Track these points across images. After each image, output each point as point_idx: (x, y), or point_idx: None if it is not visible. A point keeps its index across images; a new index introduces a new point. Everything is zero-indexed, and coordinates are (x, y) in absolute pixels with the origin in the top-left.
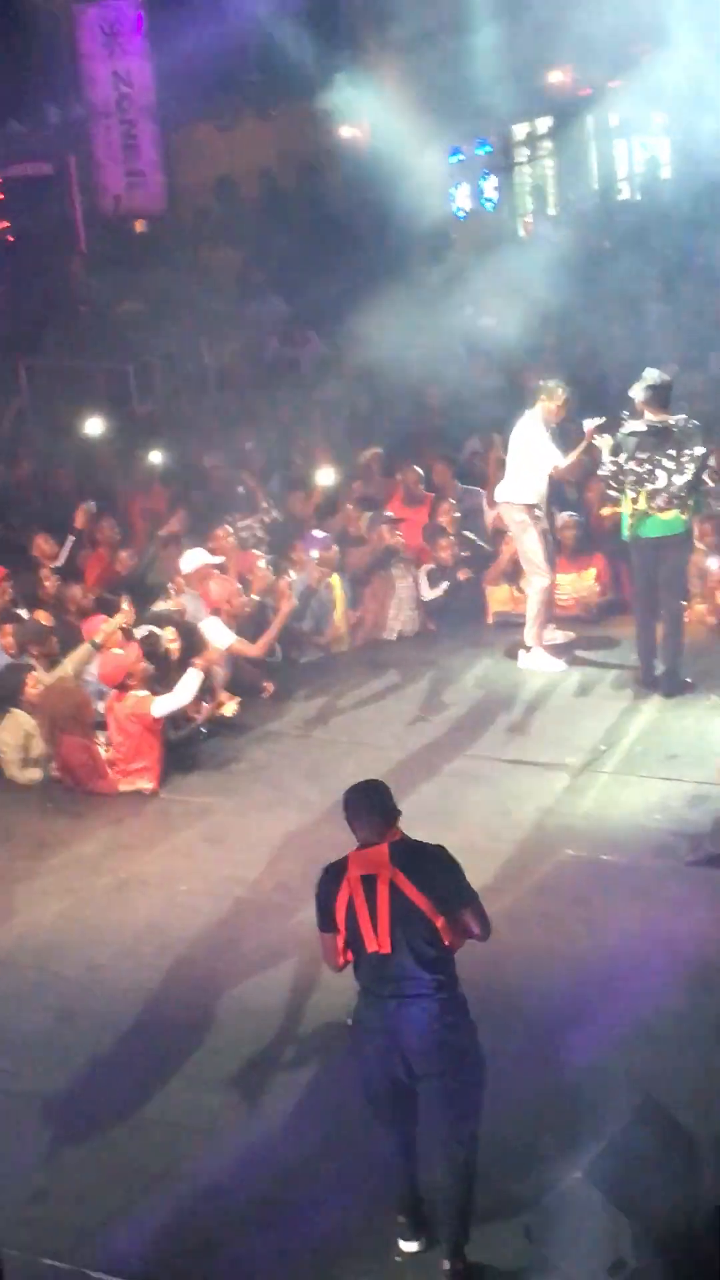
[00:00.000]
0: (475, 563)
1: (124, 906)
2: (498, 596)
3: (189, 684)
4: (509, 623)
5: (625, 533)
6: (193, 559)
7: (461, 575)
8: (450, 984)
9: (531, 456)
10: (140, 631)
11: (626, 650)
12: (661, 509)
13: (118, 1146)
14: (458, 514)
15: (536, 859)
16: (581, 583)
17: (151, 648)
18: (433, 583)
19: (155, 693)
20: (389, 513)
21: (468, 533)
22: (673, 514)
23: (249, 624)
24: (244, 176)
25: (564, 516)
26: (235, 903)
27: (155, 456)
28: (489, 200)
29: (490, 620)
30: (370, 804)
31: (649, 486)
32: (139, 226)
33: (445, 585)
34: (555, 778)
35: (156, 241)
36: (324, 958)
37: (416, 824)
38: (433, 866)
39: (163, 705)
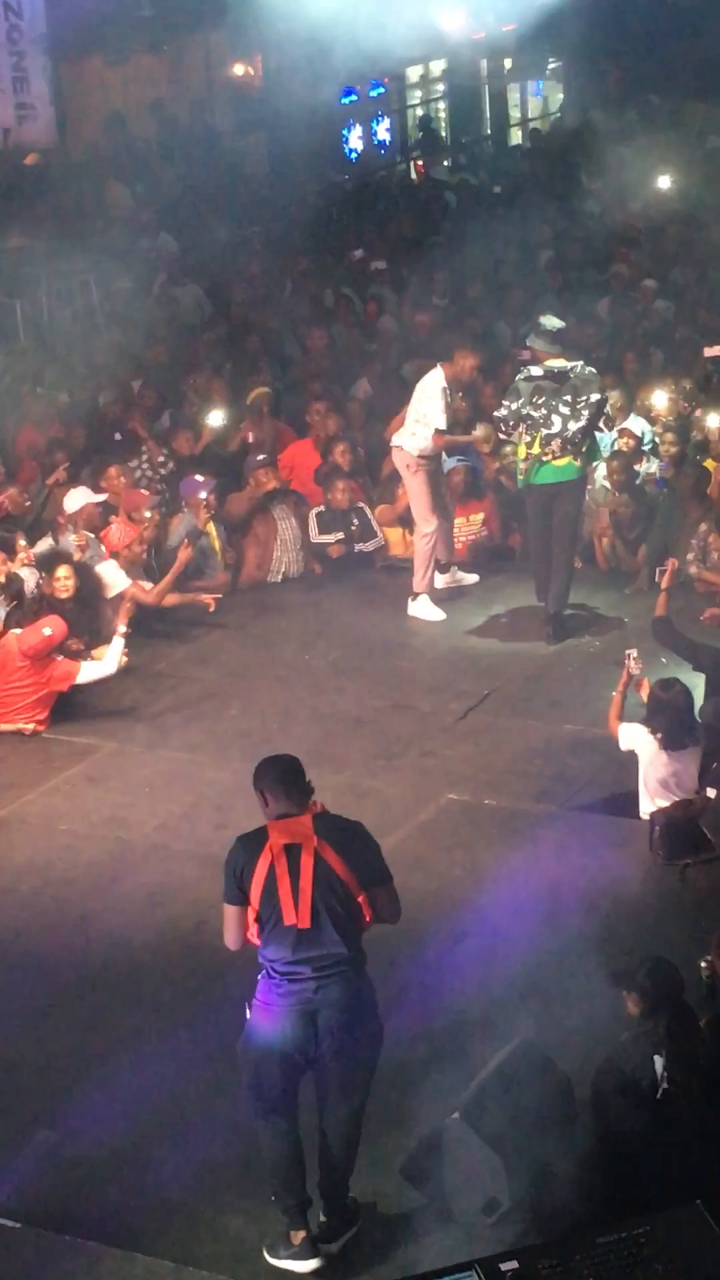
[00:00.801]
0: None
1: (3, 845)
2: (390, 539)
3: (115, 651)
4: (395, 566)
5: (519, 480)
6: (77, 498)
7: (333, 553)
8: (363, 961)
9: (424, 412)
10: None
11: (513, 596)
12: (556, 455)
13: None
14: (351, 455)
15: (418, 803)
16: (470, 527)
17: (17, 589)
18: (323, 525)
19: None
20: (262, 456)
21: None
22: (566, 460)
23: (139, 568)
24: (135, 112)
25: (452, 462)
26: (116, 842)
27: (44, 392)
28: (381, 142)
29: (378, 564)
30: (289, 775)
31: (544, 432)
32: (29, 160)
33: (340, 538)
34: (438, 721)
35: (47, 176)
36: (226, 933)
37: None
38: (358, 842)
39: (89, 673)
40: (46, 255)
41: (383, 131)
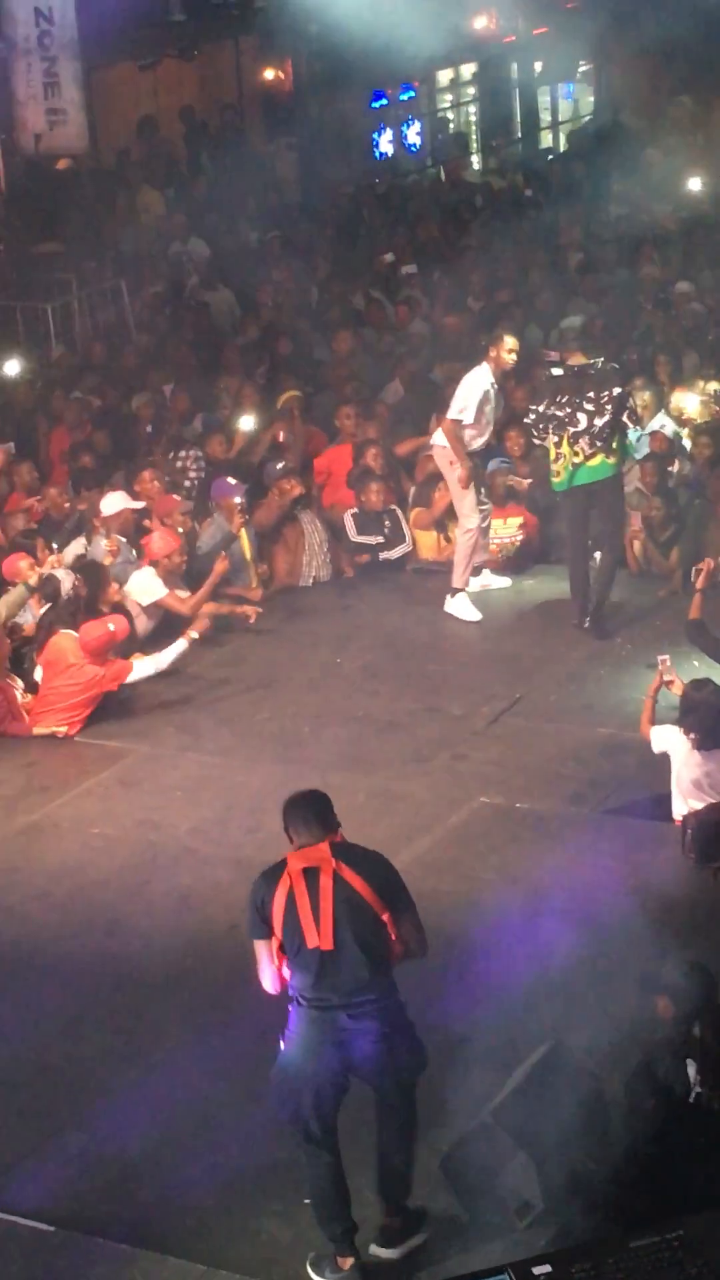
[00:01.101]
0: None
1: (36, 849)
2: (424, 543)
3: (174, 651)
4: (427, 570)
5: (555, 484)
6: (113, 502)
7: (359, 560)
8: (394, 987)
9: (456, 406)
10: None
11: (547, 599)
12: (586, 454)
13: (26, 1088)
14: (384, 458)
15: (450, 806)
16: (506, 529)
17: (53, 590)
18: (359, 526)
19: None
20: (282, 464)
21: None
22: (599, 459)
23: (177, 577)
24: (166, 117)
25: (494, 463)
26: (148, 846)
27: (79, 397)
28: (411, 146)
29: (410, 566)
30: (315, 809)
31: (571, 430)
32: (61, 165)
33: (378, 541)
34: (469, 724)
35: (78, 181)
36: (260, 974)
37: (331, 770)
38: (377, 864)
39: (142, 669)
40: (77, 260)
41: (413, 135)
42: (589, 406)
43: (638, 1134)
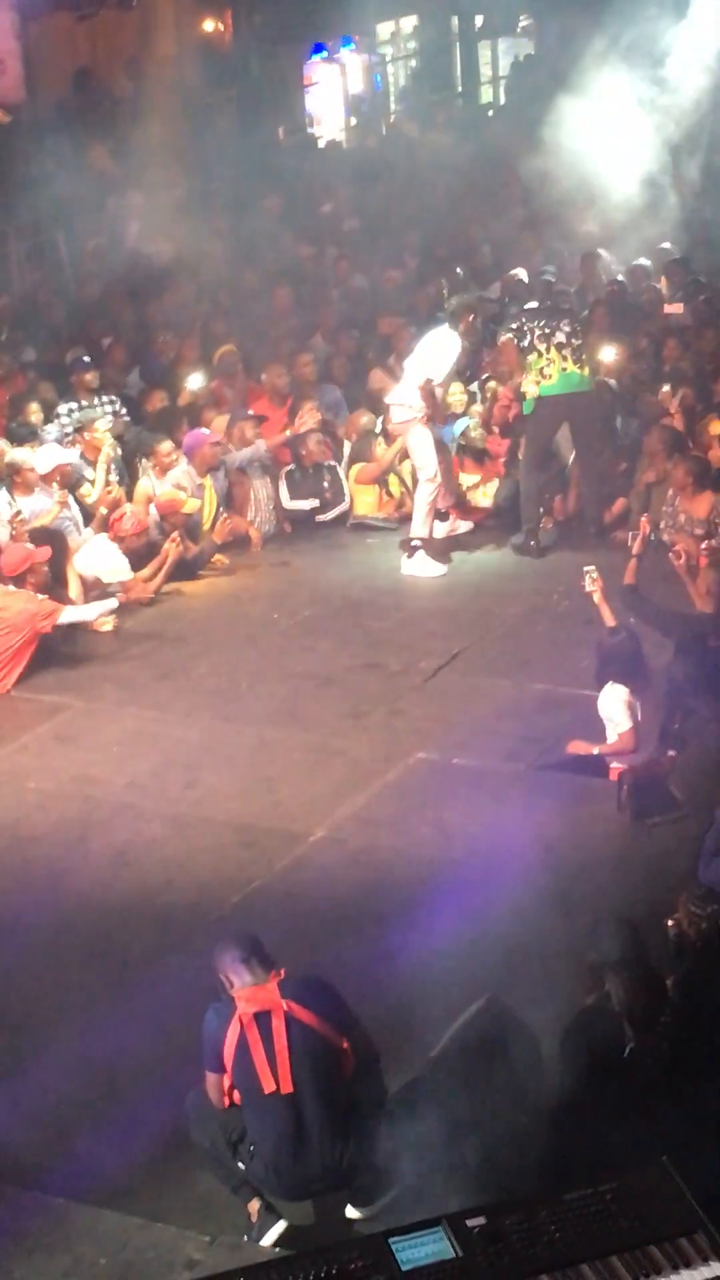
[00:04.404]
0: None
1: None
2: (364, 499)
3: (102, 605)
4: (365, 526)
5: (541, 388)
6: (49, 457)
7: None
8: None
9: (427, 365)
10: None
11: (484, 555)
12: (575, 362)
13: None
14: (322, 414)
15: (387, 762)
16: (485, 499)
17: None
18: (291, 484)
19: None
20: (250, 411)
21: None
22: (585, 370)
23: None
24: (104, 68)
25: (463, 422)
26: (84, 801)
27: (10, 350)
28: (352, 98)
29: (349, 523)
30: (247, 952)
31: (555, 340)
32: None
33: (314, 505)
34: (408, 680)
35: (15, 132)
36: (209, 1095)
37: (269, 725)
38: (323, 993)
39: (70, 615)
40: (15, 212)
41: (352, 88)
42: (566, 327)
43: (571, 1088)
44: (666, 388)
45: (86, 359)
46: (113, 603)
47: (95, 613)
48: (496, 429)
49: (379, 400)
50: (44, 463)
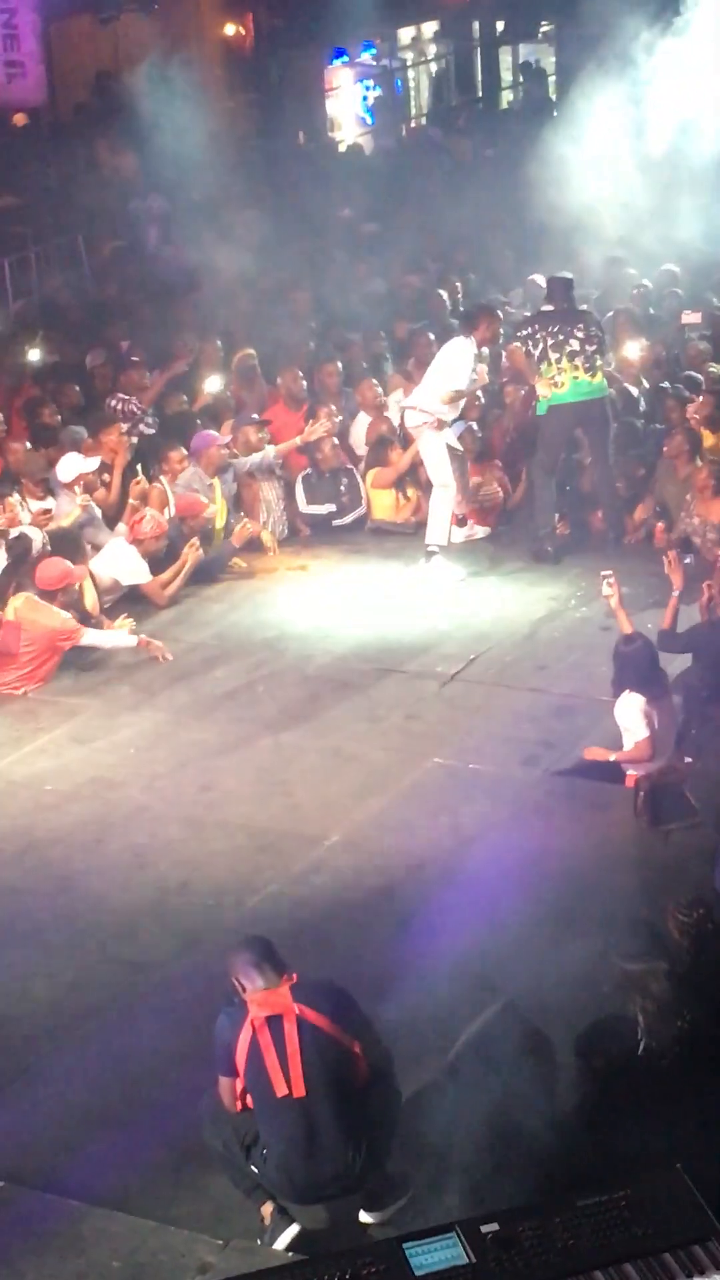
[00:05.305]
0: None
1: None
2: (381, 503)
3: (123, 635)
4: (384, 530)
5: (553, 396)
6: (70, 466)
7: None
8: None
9: (446, 374)
10: (13, 533)
11: (501, 561)
12: (586, 371)
13: None
14: (339, 418)
15: (403, 767)
16: (488, 488)
17: (23, 548)
18: (308, 488)
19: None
20: (255, 415)
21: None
22: (599, 378)
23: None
24: (124, 71)
25: (460, 427)
26: (101, 803)
27: (33, 354)
28: (372, 104)
29: (367, 527)
30: (259, 956)
31: (568, 349)
32: (18, 119)
33: (330, 509)
34: (424, 685)
35: (36, 135)
36: (221, 1099)
37: (285, 729)
38: (336, 996)
39: (92, 638)
40: (35, 214)
41: (373, 93)
42: (579, 334)
43: (587, 1093)
44: (701, 398)
45: (135, 358)
46: (133, 640)
47: (113, 642)
48: (512, 427)
49: (372, 409)
50: (66, 472)
